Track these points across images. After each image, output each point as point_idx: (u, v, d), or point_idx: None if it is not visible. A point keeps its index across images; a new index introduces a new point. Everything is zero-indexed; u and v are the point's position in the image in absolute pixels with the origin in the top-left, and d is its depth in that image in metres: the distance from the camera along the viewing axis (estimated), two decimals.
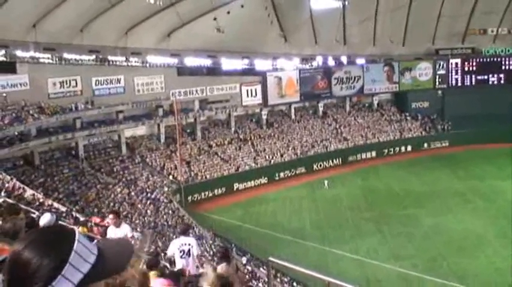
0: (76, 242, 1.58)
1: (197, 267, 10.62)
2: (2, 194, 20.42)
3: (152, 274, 6.52)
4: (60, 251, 1.54)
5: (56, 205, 28.58)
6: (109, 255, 1.65)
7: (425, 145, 70.27)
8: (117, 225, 10.50)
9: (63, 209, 25.83)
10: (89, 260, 1.58)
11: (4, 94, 48.00)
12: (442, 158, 63.78)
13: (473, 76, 73.22)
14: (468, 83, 73.22)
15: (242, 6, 55.85)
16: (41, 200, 27.78)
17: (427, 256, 39.70)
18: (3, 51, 48.40)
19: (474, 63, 73.06)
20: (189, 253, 9.70)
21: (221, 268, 7.41)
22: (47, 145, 50.21)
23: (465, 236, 41.83)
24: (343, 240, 43.64)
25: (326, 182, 57.41)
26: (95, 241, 1.79)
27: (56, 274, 1.51)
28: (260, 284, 30.74)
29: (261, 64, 65.14)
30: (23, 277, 1.51)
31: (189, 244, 10.05)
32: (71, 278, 1.52)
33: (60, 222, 11.73)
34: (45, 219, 8.32)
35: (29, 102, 49.10)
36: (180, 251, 9.85)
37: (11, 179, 32.53)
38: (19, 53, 49.31)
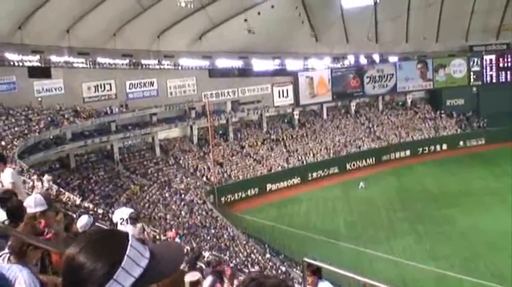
0: (129, 247, 1.60)
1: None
2: None
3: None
4: (114, 256, 1.57)
5: (92, 206, 28.98)
6: (160, 259, 1.68)
7: (461, 142, 69.05)
8: (2, 170, 9.71)
9: (100, 211, 26.17)
10: (141, 264, 1.61)
11: (39, 99, 48.82)
12: (478, 156, 62.53)
13: (508, 72, 71.78)
14: (503, 80, 71.79)
15: (272, 6, 55.93)
16: (78, 202, 28.15)
17: (464, 255, 39.09)
18: (38, 57, 49.14)
19: (509, 59, 71.65)
20: (127, 221, 10.44)
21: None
22: (83, 148, 50.96)
23: (502, 235, 40.89)
24: (378, 240, 43.21)
25: (361, 183, 56.82)
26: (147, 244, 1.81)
27: (108, 278, 1.53)
28: (296, 285, 30.62)
29: (292, 64, 65.00)
30: (77, 280, 1.54)
31: (128, 213, 10.99)
32: (122, 283, 1.55)
33: (97, 224, 12.02)
34: (82, 221, 8.42)
35: (64, 107, 49.86)
36: (120, 219, 10.63)
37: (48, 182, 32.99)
38: (53, 58, 50.06)
